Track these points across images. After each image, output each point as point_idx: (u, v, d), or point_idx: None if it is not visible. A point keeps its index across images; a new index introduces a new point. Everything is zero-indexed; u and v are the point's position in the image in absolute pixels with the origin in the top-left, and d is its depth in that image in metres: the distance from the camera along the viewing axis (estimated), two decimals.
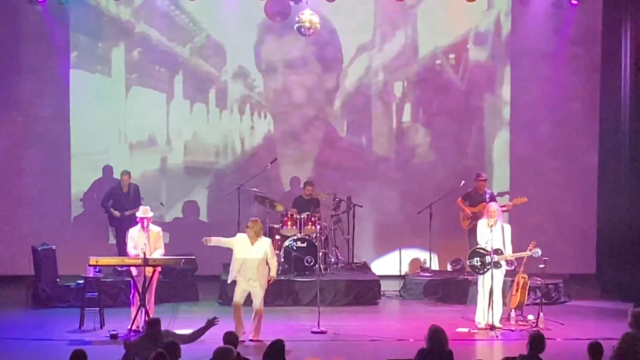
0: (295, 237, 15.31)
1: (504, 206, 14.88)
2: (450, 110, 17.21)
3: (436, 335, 8.86)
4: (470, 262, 13.37)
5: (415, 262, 16.87)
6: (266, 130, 17.14)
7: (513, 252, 13.22)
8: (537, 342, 8.69)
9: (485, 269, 13.09)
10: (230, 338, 8.83)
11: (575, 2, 16.61)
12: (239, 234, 12.95)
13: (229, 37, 16.95)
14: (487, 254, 12.99)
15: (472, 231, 14.39)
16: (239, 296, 12.59)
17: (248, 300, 12.58)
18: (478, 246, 13.22)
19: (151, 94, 16.86)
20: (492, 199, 15.28)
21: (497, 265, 13.04)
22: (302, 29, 15.19)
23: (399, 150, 17.22)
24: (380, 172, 17.20)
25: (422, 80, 17.19)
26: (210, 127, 17.10)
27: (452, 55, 17.20)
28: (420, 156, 17.21)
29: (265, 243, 12.60)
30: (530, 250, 13.14)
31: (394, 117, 17.22)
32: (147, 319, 11.57)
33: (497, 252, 13.04)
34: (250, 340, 12.42)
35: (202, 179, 17.04)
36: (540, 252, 13.11)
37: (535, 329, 12.93)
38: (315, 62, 17.13)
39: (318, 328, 12.96)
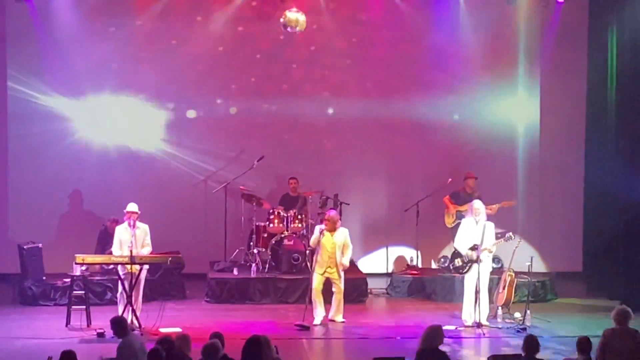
0: (283, 235, 15.32)
1: (489, 208, 14.88)
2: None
3: (431, 335, 8.85)
4: (453, 265, 13.63)
5: (402, 259, 16.88)
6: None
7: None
8: (531, 344, 8.73)
9: (467, 266, 13.18)
10: (218, 339, 8.73)
11: (561, 1, 16.50)
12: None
13: None
14: (471, 250, 13.08)
15: (456, 229, 14.39)
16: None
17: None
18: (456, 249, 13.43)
19: None
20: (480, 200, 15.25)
21: (477, 260, 13.06)
22: (289, 27, 15.12)
23: (387, 148, 17.19)
24: (367, 170, 17.17)
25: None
26: None
27: None
28: (407, 154, 17.18)
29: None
30: (504, 238, 13.18)
31: (383, 114, 17.20)
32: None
33: (474, 248, 13.09)
34: (331, 320, 13.45)
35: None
36: (513, 237, 13.14)
37: (522, 326, 12.97)
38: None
39: (302, 321, 13.01)
